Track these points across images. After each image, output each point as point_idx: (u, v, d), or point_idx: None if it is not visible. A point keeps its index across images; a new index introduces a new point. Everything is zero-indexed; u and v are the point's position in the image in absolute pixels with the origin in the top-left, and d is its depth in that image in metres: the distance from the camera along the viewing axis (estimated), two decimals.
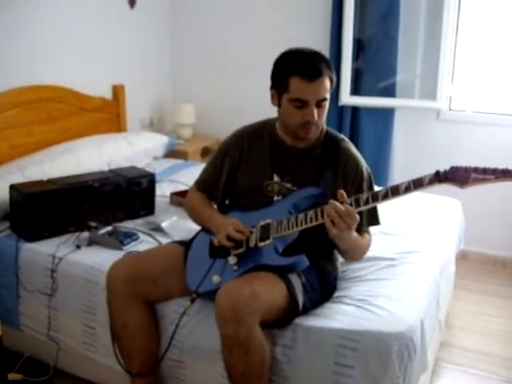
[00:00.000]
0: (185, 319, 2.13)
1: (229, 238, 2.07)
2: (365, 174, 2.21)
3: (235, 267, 2.04)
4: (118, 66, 4.10)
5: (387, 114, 4.05)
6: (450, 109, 4.03)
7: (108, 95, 4.02)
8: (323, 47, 3.94)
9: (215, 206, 2.39)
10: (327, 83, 2.03)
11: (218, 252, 2.11)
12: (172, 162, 3.99)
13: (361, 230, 2.11)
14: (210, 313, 2.04)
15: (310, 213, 1.96)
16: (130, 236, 2.63)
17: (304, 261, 1.99)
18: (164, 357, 2.16)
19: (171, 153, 4.17)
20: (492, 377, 2.78)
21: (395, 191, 1.83)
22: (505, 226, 3.96)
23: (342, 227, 1.86)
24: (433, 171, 1.82)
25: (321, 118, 2.08)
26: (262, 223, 2.08)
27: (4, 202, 2.73)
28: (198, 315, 2.15)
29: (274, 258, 2.01)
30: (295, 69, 2.01)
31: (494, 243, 4.02)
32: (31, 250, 2.59)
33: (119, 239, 2.59)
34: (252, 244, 2.05)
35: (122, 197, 2.89)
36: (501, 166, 1.75)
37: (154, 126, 4.55)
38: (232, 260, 2.05)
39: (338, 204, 1.86)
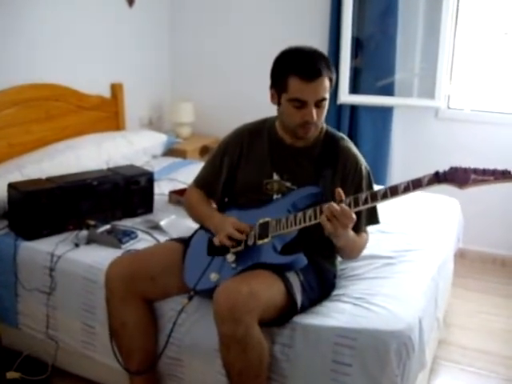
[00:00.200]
0: (183, 317, 2.14)
1: (229, 238, 2.07)
2: (364, 172, 2.21)
3: (233, 265, 2.05)
4: (116, 64, 4.10)
5: (386, 112, 4.05)
6: (449, 107, 4.03)
7: (107, 94, 4.02)
8: (322, 46, 3.94)
9: (214, 205, 2.39)
10: (326, 83, 2.03)
11: (216, 250, 2.12)
12: (171, 160, 3.99)
13: (358, 229, 2.11)
14: (208, 311, 2.04)
15: (309, 211, 1.96)
16: (129, 234, 2.63)
17: (302, 259, 1.99)
18: (162, 355, 2.17)
19: (170, 151, 4.17)
20: (491, 375, 2.78)
21: (394, 191, 1.83)
22: (504, 225, 3.97)
23: (337, 226, 1.87)
24: (431, 170, 1.82)
25: (320, 118, 2.08)
26: (261, 221, 2.09)
27: (2, 200, 2.73)
28: (196, 313, 2.16)
29: (273, 257, 2.01)
30: (294, 69, 2.00)
31: (492, 242, 4.02)
32: (30, 248, 2.59)
33: (118, 237, 2.59)
34: (250, 242, 2.06)
35: (121, 195, 2.89)
36: (499, 164, 1.75)
37: (153, 124, 4.55)
38: (230, 258, 2.06)
39: (333, 204, 1.86)
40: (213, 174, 2.34)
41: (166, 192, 3.22)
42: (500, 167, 1.73)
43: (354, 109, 4.10)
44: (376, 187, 2.25)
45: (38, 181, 2.76)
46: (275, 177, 2.18)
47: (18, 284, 2.59)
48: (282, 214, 2.05)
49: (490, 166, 1.74)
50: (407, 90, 4.05)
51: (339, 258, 2.31)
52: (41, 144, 3.34)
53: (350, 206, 1.87)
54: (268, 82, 2.15)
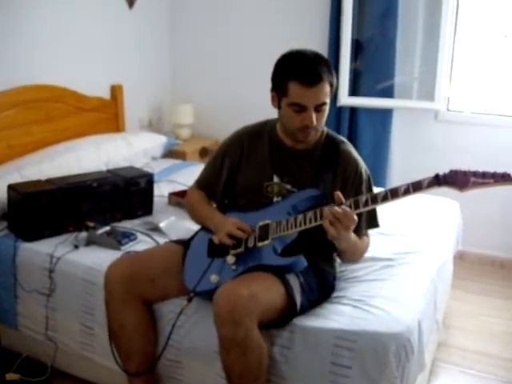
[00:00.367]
0: (182, 319, 2.14)
1: (230, 237, 2.08)
2: (364, 176, 2.21)
3: (234, 267, 2.04)
4: (116, 66, 4.10)
5: (385, 114, 4.05)
6: (448, 110, 4.03)
7: (106, 95, 4.02)
8: (321, 48, 3.94)
9: (215, 206, 2.39)
10: (327, 88, 2.02)
11: (216, 251, 2.12)
12: (170, 162, 3.99)
13: (359, 231, 2.11)
14: (208, 313, 2.04)
15: (309, 214, 1.96)
16: (128, 236, 2.63)
17: (302, 261, 1.99)
18: (161, 356, 2.17)
19: (170, 153, 4.17)
20: (490, 377, 2.78)
21: (394, 193, 1.83)
22: (503, 227, 3.97)
23: (339, 228, 1.87)
24: (431, 172, 1.82)
25: (320, 122, 2.08)
26: (261, 223, 2.09)
27: (2, 201, 2.73)
28: (196, 315, 2.16)
29: (273, 258, 2.01)
30: (294, 73, 2.00)
31: (492, 244, 4.02)
32: (29, 249, 2.59)
33: (117, 239, 2.59)
34: (251, 244, 2.06)
35: (120, 197, 2.89)
36: (498, 166, 1.76)
37: (153, 126, 4.55)
38: (230, 260, 2.05)
39: (335, 207, 1.86)
40: (213, 176, 2.34)
41: (166, 194, 3.22)
42: (499, 169, 1.73)
43: (353, 111, 4.10)
44: (376, 189, 2.25)
45: (38, 182, 2.76)
46: (275, 179, 2.18)
47: (17, 285, 2.59)
48: (283, 217, 2.05)
49: (490, 169, 1.75)
50: (407, 92, 4.05)
51: (338, 260, 2.31)
52: (40, 145, 3.33)
53: (350, 208, 1.87)
54: (268, 83, 2.15)
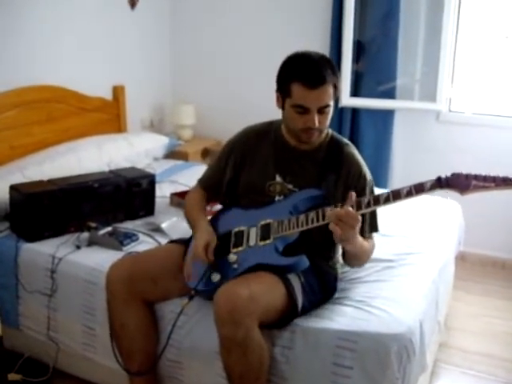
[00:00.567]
0: (183, 319, 2.14)
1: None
2: (368, 180, 2.21)
3: (235, 265, 2.04)
4: (118, 66, 4.10)
5: (387, 115, 4.05)
6: (450, 110, 4.03)
7: (108, 96, 4.02)
8: (323, 48, 3.94)
9: (217, 206, 2.38)
10: (330, 90, 2.01)
11: (217, 250, 2.12)
12: (172, 162, 3.99)
13: (363, 234, 2.09)
14: (208, 313, 2.04)
15: (311, 214, 1.96)
16: (130, 237, 2.64)
17: (304, 261, 1.99)
18: (162, 356, 2.17)
19: (171, 154, 4.17)
20: (491, 378, 2.78)
21: (396, 195, 1.84)
22: (504, 228, 3.97)
23: (345, 229, 1.86)
24: (432, 173, 1.83)
25: (323, 124, 2.07)
26: (263, 222, 2.09)
27: (4, 202, 2.73)
28: (196, 315, 2.16)
29: (275, 258, 2.01)
30: (298, 75, 2.00)
31: (493, 245, 4.02)
32: (31, 250, 2.59)
33: (119, 240, 2.59)
34: (252, 243, 2.06)
35: (122, 197, 2.90)
36: (500, 167, 1.76)
37: (154, 126, 4.56)
38: (232, 258, 2.05)
39: (336, 209, 1.86)
40: (218, 175, 2.33)
41: (168, 194, 3.23)
42: (501, 170, 1.73)
43: (355, 112, 4.10)
44: (377, 190, 2.26)
45: (40, 183, 2.76)
46: (278, 179, 2.19)
47: (19, 286, 2.60)
48: (284, 216, 2.06)
49: (491, 169, 1.75)
50: (408, 93, 4.05)
51: (340, 261, 2.30)
52: (42, 146, 3.34)
53: (352, 208, 1.87)
54: (269, 84, 2.15)
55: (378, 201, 1.87)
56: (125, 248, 2.56)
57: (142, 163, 3.68)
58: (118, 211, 2.90)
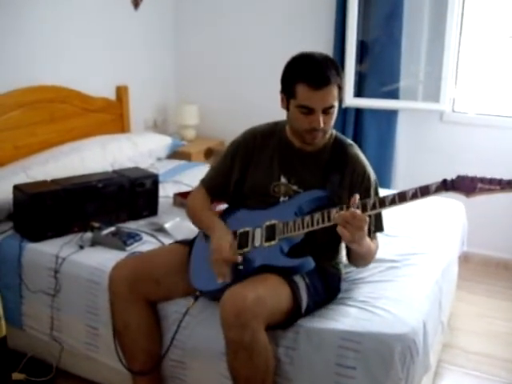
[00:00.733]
0: (187, 319, 2.14)
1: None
2: (372, 181, 2.20)
3: (240, 267, 2.03)
4: (122, 66, 4.11)
5: (390, 115, 4.05)
6: (454, 111, 4.03)
7: (112, 96, 4.03)
8: (327, 49, 3.95)
9: (220, 205, 2.38)
10: (335, 91, 2.01)
11: None
12: (175, 163, 4.00)
13: (369, 234, 2.08)
14: (212, 314, 2.05)
15: (316, 215, 1.96)
16: (133, 237, 2.64)
17: (310, 262, 1.98)
18: (165, 356, 2.17)
19: (175, 154, 4.18)
20: (495, 379, 2.78)
21: (402, 198, 1.84)
22: (508, 229, 3.96)
23: (353, 231, 1.86)
24: (436, 173, 1.84)
25: (328, 125, 2.07)
26: (268, 223, 2.08)
27: (8, 202, 2.74)
28: (200, 316, 2.16)
29: (280, 259, 2.01)
30: (302, 76, 1.99)
31: (496, 246, 4.02)
32: (34, 250, 2.60)
33: (122, 240, 2.59)
34: (257, 244, 2.05)
35: (126, 197, 2.90)
36: (503, 167, 1.77)
37: (158, 127, 4.56)
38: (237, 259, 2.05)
39: (341, 212, 1.86)
40: (223, 175, 2.31)
41: (171, 194, 3.23)
42: (504, 170, 1.73)
43: (358, 112, 4.10)
44: (380, 191, 2.26)
45: (43, 183, 2.77)
46: (283, 180, 2.18)
47: (22, 286, 2.60)
48: (289, 217, 2.05)
49: (494, 170, 1.76)
50: (412, 94, 4.04)
51: (344, 262, 2.30)
52: (46, 146, 3.34)
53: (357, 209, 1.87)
54: (273, 85, 2.15)
55: (383, 203, 1.87)
56: (128, 248, 2.56)
57: (146, 163, 3.68)
58: (121, 211, 2.90)
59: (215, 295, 2.02)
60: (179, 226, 2.81)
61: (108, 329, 2.31)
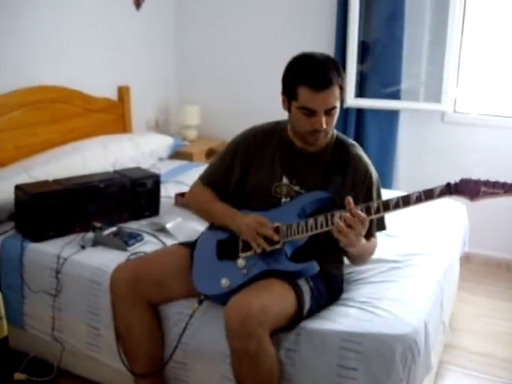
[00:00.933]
0: (189, 321, 2.13)
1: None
2: (374, 180, 2.20)
3: (244, 271, 2.03)
4: (123, 67, 4.11)
5: (392, 116, 4.05)
6: (455, 111, 4.03)
7: (113, 96, 4.03)
8: (328, 49, 3.94)
9: None
10: (336, 92, 2.00)
11: (226, 254, 2.11)
12: (177, 163, 4.00)
13: (370, 235, 2.10)
14: (214, 315, 2.05)
15: (320, 218, 1.95)
16: (135, 237, 2.64)
17: (314, 267, 1.98)
18: (169, 359, 2.16)
19: (176, 154, 4.18)
20: (496, 379, 2.77)
21: (406, 201, 1.84)
22: (509, 229, 3.95)
23: (351, 236, 1.86)
24: (438, 174, 1.85)
25: (330, 126, 2.06)
26: (271, 226, 2.06)
27: (9, 202, 2.74)
28: (202, 317, 2.15)
29: (284, 264, 2.01)
30: (304, 78, 1.98)
31: (498, 246, 4.02)
32: (36, 250, 2.60)
33: (124, 240, 2.59)
34: (259, 249, 2.04)
35: (127, 197, 2.90)
36: (505, 168, 1.76)
37: (160, 127, 4.56)
38: (241, 263, 2.04)
39: (345, 214, 1.86)
40: (222, 174, 2.30)
41: (173, 194, 3.23)
42: (506, 171, 1.73)
43: (360, 112, 4.10)
44: (382, 191, 2.26)
45: (45, 183, 2.77)
46: (284, 180, 2.17)
47: (24, 286, 2.60)
48: (292, 218, 2.05)
49: (497, 170, 1.75)
50: (413, 94, 4.04)
51: (346, 262, 2.30)
52: (47, 146, 3.34)
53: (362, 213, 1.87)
54: (275, 85, 2.14)
55: (387, 206, 1.87)
56: (129, 248, 2.56)
57: (147, 163, 3.68)
58: (122, 211, 2.90)
59: (220, 299, 2.02)
60: (181, 226, 2.81)
61: (109, 329, 2.31)
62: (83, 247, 2.59)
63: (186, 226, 2.79)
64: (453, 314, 3.16)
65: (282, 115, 2.19)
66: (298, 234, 1.99)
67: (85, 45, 3.72)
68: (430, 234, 2.84)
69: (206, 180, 2.36)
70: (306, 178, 2.16)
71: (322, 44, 4.03)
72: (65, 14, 3.53)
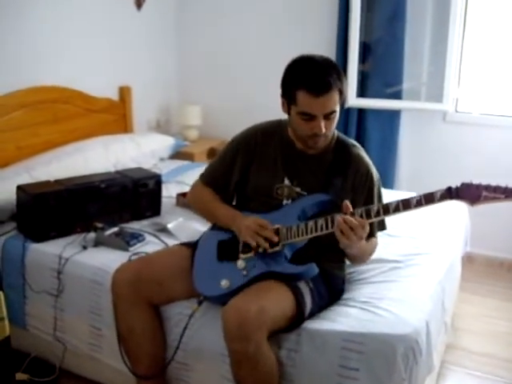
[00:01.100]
0: (190, 321, 2.13)
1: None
2: (375, 180, 2.20)
3: (244, 272, 2.03)
4: (124, 67, 4.11)
5: (393, 115, 4.05)
6: (457, 111, 4.03)
7: (115, 96, 4.03)
8: (330, 49, 3.95)
9: None
10: (336, 96, 1.98)
11: (226, 255, 2.11)
12: (178, 163, 4.00)
13: (371, 235, 2.10)
14: (214, 315, 2.05)
15: (320, 221, 1.95)
16: (136, 237, 2.64)
17: (313, 269, 1.97)
18: (171, 360, 2.17)
19: (177, 154, 4.18)
20: (498, 380, 2.77)
21: (406, 205, 1.84)
22: (511, 229, 3.95)
23: (353, 239, 1.86)
24: (439, 174, 1.85)
25: (329, 130, 2.05)
26: (271, 228, 2.06)
27: (11, 202, 2.74)
28: (202, 318, 2.15)
29: (284, 266, 2.00)
30: (302, 83, 1.96)
31: (499, 246, 4.01)
32: (38, 250, 2.60)
33: (125, 240, 2.59)
34: (261, 249, 2.04)
35: (129, 198, 2.90)
36: (506, 168, 1.75)
37: (161, 127, 4.57)
38: (240, 265, 2.04)
39: (348, 217, 1.86)
40: (223, 173, 2.28)
41: (174, 195, 3.23)
42: (508, 171, 1.72)
43: (361, 112, 4.10)
44: (383, 191, 2.25)
45: (47, 183, 2.77)
46: (286, 182, 2.16)
47: (26, 286, 2.60)
48: (292, 221, 2.04)
49: (498, 170, 1.75)
50: (415, 94, 4.04)
51: (347, 262, 2.30)
52: (49, 146, 3.35)
53: (361, 217, 1.87)
54: (276, 85, 2.13)
55: (387, 210, 1.87)
56: (131, 248, 2.56)
57: (149, 164, 3.69)
58: (124, 211, 2.90)
59: (219, 300, 2.02)
60: (182, 226, 2.81)
61: (111, 330, 2.31)
62: (85, 247, 2.59)
63: (187, 226, 2.79)
64: (455, 314, 3.16)
65: (283, 115, 2.19)
66: (298, 236, 1.99)
67: (86, 45, 3.72)
68: (432, 234, 2.84)
69: (206, 179, 2.35)
70: (307, 180, 2.15)
71: (323, 44, 4.02)
72: (66, 15, 3.53)
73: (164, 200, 3.10)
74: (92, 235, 2.67)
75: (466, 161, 3.88)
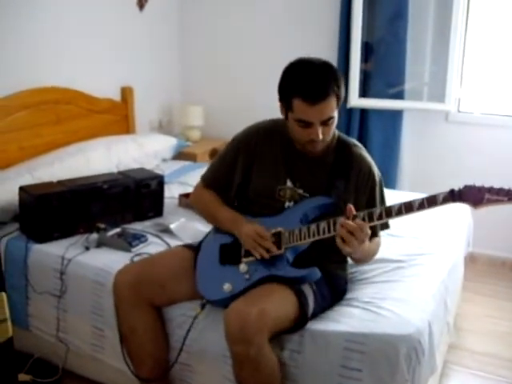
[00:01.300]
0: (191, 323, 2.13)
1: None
2: (377, 180, 2.19)
3: (246, 276, 2.03)
4: (127, 68, 4.11)
5: (396, 116, 4.04)
6: (459, 111, 4.02)
7: (117, 97, 4.04)
8: (332, 49, 3.95)
9: None
10: (333, 103, 1.96)
11: (228, 258, 2.11)
12: (181, 163, 4.00)
13: (374, 235, 2.09)
14: (217, 317, 2.05)
15: (323, 224, 1.95)
16: (139, 238, 2.64)
17: (316, 273, 1.97)
18: (175, 363, 2.16)
19: (180, 155, 4.18)
20: (501, 379, 2.77)
21: (409, 208, 1.83)
22: None
23: (354, 244, 1.85)
24: (441, 174, 1.84)
25: (327, 135, 2.03)
26: (273, 231, 2.06)
27: (14, 203, 2.74)
28: (205, 319, 2.15)
29: (286, 270, 2.00)
30: (298, 90, 1.94)
31: (502, 246, 4.01)
32: (40, 251, 2.60)
33: (128, 241, 2.59)
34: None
35: (131, 198, 2.90)
36: (509, 167, 1.75)
37: (163, 128, 4.57)
38: (243, 269, 2.04)
39: (347, 221, 1.85)
40: (225, 173, 2.26)
41: (176, 195, 3.23)
42: (510, 171, 1.72)
43: (363, 112, 4.09)
44: (386, 191, 2.25)
45: (49, 184, 2.78)
46: (288, 183, 2.15)
47: (28, 287, 2.61)
48: (294, 224, 2.04)
49: (500, 170, 1.74)
50: (417, 94, 4.04)
51: (350, 262, 2.29)
52: (51, 147, 3.35)
53: (364, 220, 1.87)
54: (277, 86, 2.13)
55: (390, 213, 1.85)
56: (133, 249, 2.56)
57: (151, 164, 3.69)
58: (126, 212, 2.90)
59: (222, 303, 2.02)
60: (184, 226, 2.81)
61: (113, 331, 2.31)
62: (87, 248, 2.59)
63: (189, 227, 2.79)
64: (457, 314, 3.15)
65: None
66: (300, 240, 1.99)
67: (88, 46, 3.72)
68: (434, 234, 2.84)
69: (207, 180, 2.34)
70: (309, 182, 2.14)
71: (325, 45, 4.03)
72: (67, 15, 3.53)
73: (166, 201, 3.10)
74: (94, 236, 2.67)
75: (469, 161, 3.88)
